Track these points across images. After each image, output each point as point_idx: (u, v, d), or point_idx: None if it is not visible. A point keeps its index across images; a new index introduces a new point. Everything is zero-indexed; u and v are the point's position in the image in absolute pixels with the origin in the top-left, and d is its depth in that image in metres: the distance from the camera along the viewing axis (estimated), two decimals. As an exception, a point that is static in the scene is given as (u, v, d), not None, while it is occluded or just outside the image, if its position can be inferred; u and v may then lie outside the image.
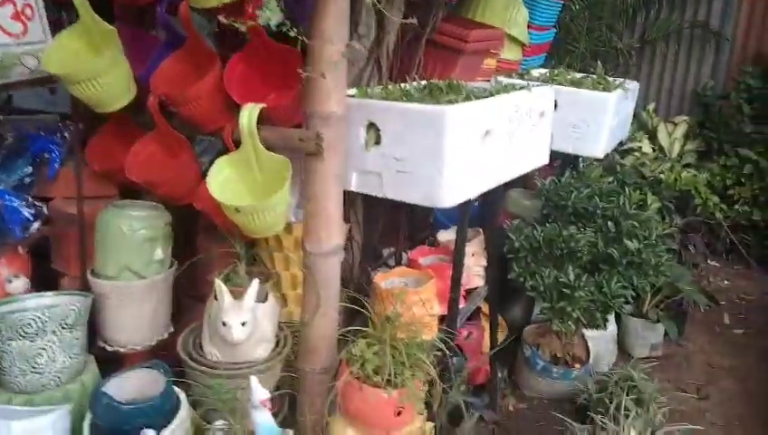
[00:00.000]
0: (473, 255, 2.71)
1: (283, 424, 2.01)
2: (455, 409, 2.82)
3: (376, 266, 2.68)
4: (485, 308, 3.27)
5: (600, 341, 3.34)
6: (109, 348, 2.22)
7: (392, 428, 1.89)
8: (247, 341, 1.92)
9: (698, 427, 2.67)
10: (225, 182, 2.03)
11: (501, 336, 3.23)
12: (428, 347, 1.95)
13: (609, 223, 2.67)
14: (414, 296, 2.22)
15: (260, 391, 1.75)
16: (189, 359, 2.00)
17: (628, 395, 2.79)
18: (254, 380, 1.77)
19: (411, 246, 2.85)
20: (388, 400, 1.81)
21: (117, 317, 2.18)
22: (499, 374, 3.20)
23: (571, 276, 2.55)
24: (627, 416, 2.64)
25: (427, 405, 2.09)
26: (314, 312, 1.98)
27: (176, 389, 1.88)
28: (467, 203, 2.19)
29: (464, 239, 2.33)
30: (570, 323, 2.60)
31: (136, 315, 2.19)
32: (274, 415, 1.85)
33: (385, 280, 2.29)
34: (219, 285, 1.94)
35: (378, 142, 2.08)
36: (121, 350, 2.22)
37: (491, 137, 2.12)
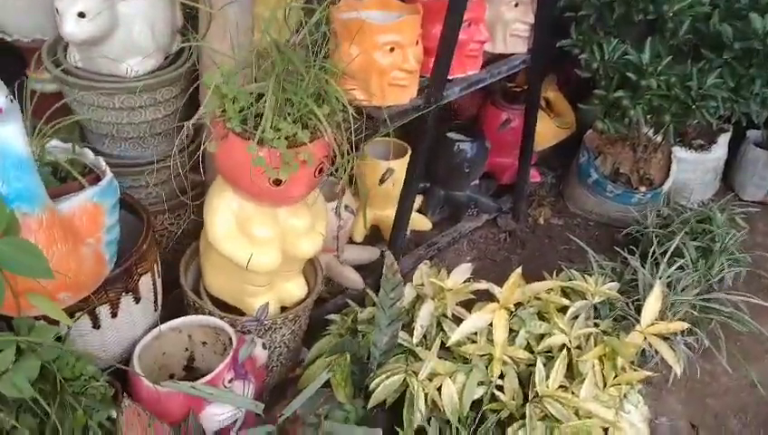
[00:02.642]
0: (516, 4, 1.89)
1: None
2: (458, 202, 2.25)
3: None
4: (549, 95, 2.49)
5: (695, 166, 2.48)
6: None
7: (274, 198, 1.37)
8: (107, 45, 1.39)
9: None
10: None
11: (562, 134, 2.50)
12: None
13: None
14: (380, 35, 1.54)
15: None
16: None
17: (695, 241, 2.05)
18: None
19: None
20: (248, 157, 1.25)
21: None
22: (543, 178, 2.53)
23: (646, 56, 1.69)
24: (681, 267, 1.93)
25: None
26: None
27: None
28: None
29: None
30: (620, 124, 1.80)
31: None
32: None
33: (349, 11, 1.60)
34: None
35: None
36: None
37: None
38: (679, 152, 2.44)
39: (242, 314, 1.56)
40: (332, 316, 1.70)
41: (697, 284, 1.92)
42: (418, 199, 2.26)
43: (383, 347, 1.52)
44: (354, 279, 1.88)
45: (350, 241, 2.08)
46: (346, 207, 1.87)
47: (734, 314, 1.83)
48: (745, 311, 1.88)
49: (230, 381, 1.32)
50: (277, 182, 1.30)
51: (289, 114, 1.26)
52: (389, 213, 1.93)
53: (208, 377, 1.29)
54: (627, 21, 1.73)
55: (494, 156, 2.41)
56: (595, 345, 1.58)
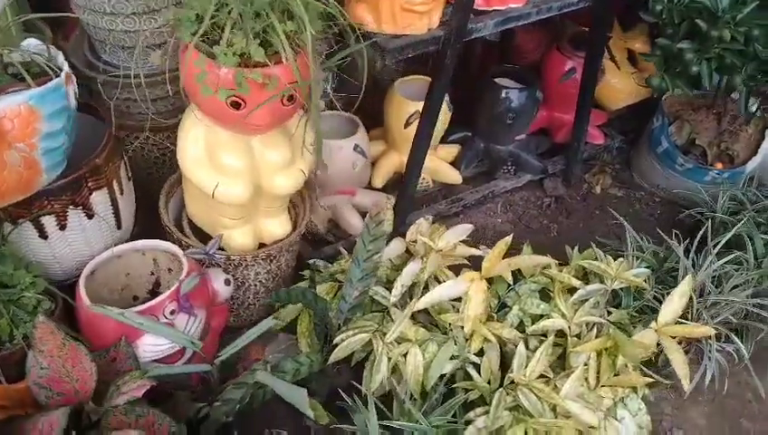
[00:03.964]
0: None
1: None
2: (498, 157, 2.03)
3: None
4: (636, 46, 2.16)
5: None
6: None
7: (235, 124, 1.24)
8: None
9: None
10: None
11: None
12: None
13: None
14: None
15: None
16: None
17: (766, 234, 1.72)
18: None
19: None
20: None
21: None
22: (608, 142, 2.23)
23: (725, 1, 1.36)
24: (740, 262, 1.63)
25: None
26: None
27: None
28: None
29: None
30: (682, 82, 1.49)
31: None
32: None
33: None
34: None
35: None
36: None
37: None
38: (781, 127, 2.05)
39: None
40: (316, 261, 1.58)
41: (756, 284, 1.61)
42: (455, 150, 2.06)
43: (352, 302, 1.39)
44: (355, 225, 1.74)
45: (369, 186, 1.94)
46: (356, 146, 1.72)
47: (791, 328, 1.52)
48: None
49: (172, 313, 1.25)
50: (235, 105, 1.17)
51: (252, 29, 1.12)
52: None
53: (145, 306, 1.22)
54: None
55: (552, 109, 2.15)
56: (597, 337, 1.36)
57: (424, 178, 1.95)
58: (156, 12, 1.46)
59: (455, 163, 2.04)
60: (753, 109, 1.97)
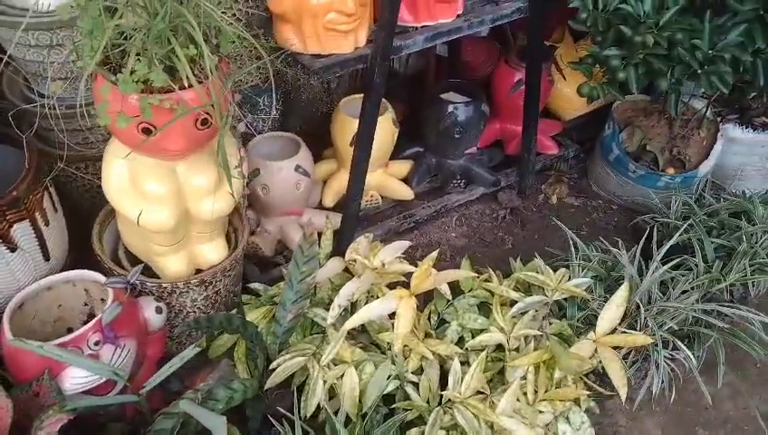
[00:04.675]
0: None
1: None
2: (450, 172, 2.02)
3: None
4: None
5: (751, 149, 2.06)
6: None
7: (150, 150, 1.23)
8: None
9: None
10: None
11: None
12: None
13: None
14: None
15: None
16: None
17: (718, 238, 1.70)
18: None
19: None
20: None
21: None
22: (563, 151, 2.22)
23: (647, 5, 1.36)
24: (690, 268, 1.62)
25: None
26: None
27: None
28: None
29: None
30: (612, 88, 1.48)
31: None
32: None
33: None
34: None
35: None
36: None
37: None
38: (732, 131, 2.03)
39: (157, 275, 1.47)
40: (256, 285, 1.56)
41: (707, 289, 1.59)
42: (407, 166, 2.05)
43: (287, 325, 1.37)
44: (301, 246, 1.72)
45: (320, 206, 1.93)
46: (297, 167, 1.71)
47: (739, 334, 1.49)
48: (761, 331, 1.53)
49: (96, 344, 1.23)
50: (146, 132, 1.16)
51: (155, 55, 1.11)
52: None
53: (67, 338, 1.20)
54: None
55: (504, 122, 2.15)
56: (535, 350, 1.33)
57: (372, 196, 1.94)
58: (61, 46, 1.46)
59: (407, 179, 2.03)
60: (705, 112, 1.97)
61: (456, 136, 1.94)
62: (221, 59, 1.19)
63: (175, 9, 1.07)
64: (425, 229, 2.01)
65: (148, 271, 1.46)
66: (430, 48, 1.92)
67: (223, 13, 1.22)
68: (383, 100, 1.87)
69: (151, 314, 1.36)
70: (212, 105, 1.17)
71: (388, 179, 1.96)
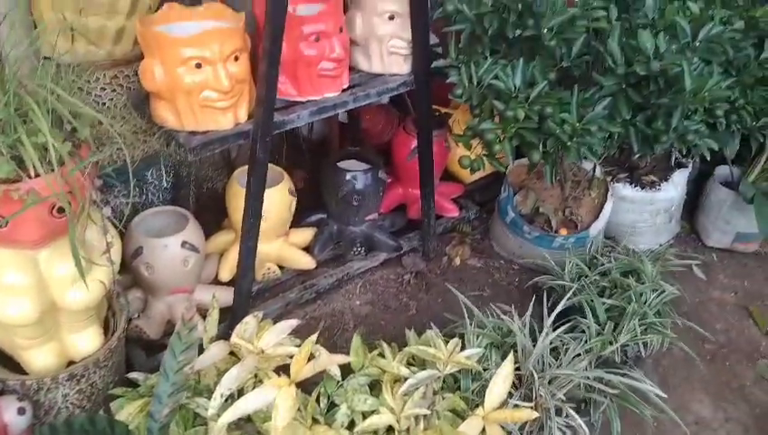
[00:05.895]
0: (390, 17, 1.63)
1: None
2: (352, 239, 2.00)
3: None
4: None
5: (641, 206, 2.15)
6: None
7: (9, 242, 1.15)
8: None
9: None
10: None
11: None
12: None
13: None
14: (182, 48, 1.31)
15: None
16: None
17: (610, 298, 1.73)
18: None
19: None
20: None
21: None
22: (464, 213, 2.24)
23: (517, 80, 1.40)
24: (584, 331, 1.63)
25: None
26: None
27: None
28: None
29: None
30: (489, 158, 1.51)
31: None
32: None
33: (157, 22, 1.37)
34: None
35: None
36: None
37: None
38: (623, 190, 2.11)
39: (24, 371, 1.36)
40: (135, 375, 1.47)
41: (599, 353, 1.61)
42: (309, 234, 2.02)
43: (162, 420, 1.28)
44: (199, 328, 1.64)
45: (215, 280, 1.86)
46: (184, 243, 1.65)
47: (629, 398, 1.51)
48: (648, 393, 1.55)
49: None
50: (-4, 224, 1.09)
51: (2, 143, 1.05)
52: (260, 249, 1.69)
53: None
54: (503, 38, 1.45)
55: (406, 186, 2.16)
56: (425, 430, 1.30)
57: (269, 268, 1.89)
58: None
59: (310, 247, 1.99)
60: (593, 174, 2.04)
61: (355, 203, 1.93)
62: (78, 144, 1.13)
63: (19, 97, 1.02)
64: (328, 298, 1.97)
65: (13, 364, 1.36)
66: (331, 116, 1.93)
67: (87, 94, 1.19)
68: (279, 169, 1.86)
69: (12, 416, 1.25)
70: (70, 192, 1.12)
71: (288, 250, 1.92)
